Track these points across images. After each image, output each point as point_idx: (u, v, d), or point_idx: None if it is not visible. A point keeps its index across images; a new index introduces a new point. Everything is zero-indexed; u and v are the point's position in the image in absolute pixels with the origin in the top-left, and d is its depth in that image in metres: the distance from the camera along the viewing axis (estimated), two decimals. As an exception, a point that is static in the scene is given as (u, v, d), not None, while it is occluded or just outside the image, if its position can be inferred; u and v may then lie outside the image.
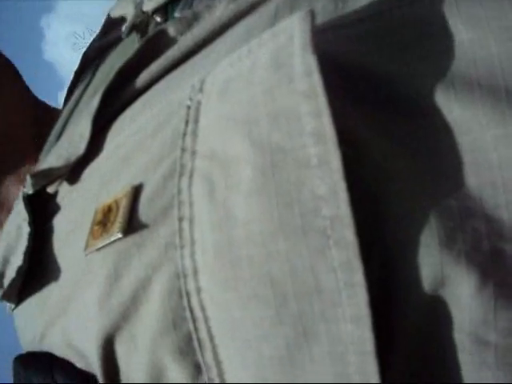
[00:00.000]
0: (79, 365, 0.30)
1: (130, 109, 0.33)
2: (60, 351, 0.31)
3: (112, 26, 0.46)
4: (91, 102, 0.35)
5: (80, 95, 0.42)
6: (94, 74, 0.43)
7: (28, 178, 0.33)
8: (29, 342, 0.34)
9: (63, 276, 0.31)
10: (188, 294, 0.24)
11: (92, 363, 0.29)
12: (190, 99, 0.28)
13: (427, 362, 0.22)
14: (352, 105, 0.24)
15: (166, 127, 0.28)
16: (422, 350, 0.22)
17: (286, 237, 0.22)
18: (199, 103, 0.27)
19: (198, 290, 0.24)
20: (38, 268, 0.33)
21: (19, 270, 0.32)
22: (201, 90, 0.27)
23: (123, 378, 0.28)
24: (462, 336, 0.21)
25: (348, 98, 0.24)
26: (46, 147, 0.38)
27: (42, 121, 0.43)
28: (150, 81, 0.33)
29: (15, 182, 0.39)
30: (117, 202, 0.27)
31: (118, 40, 0.43)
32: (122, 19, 0.44)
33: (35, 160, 0.39)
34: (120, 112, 0.34)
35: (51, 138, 0.39)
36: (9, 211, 0.38)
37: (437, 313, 0.22)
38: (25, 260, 0.32)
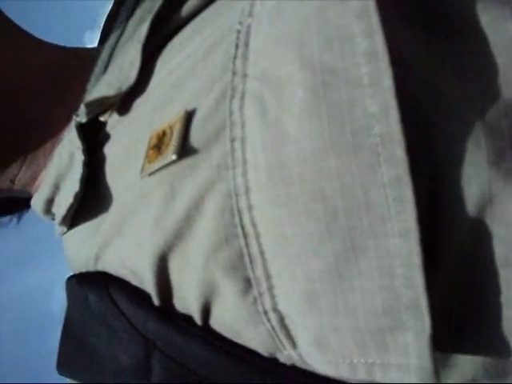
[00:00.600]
0: (133, 283, 0.31)
1: (178, 36, 0.34)
2: (114, 271, 0.32)
3: None
4: (139, 29, 0.35)
5: (124, 24, 0.42)
6: (137, 3, 0.43)
7: (82, 106, 0.34)
8: (81, 264, 0.36)
9: (117, 201, 0.32)
10: (240, 212, 0.25)
11: (145, 281, 0.30)
12: (240, 23, 0.28)
13: (470, 277, 0.23)
14: (403, 25, 0.24)
15: (216, 51, 0.29)
16: (466, 266, 0.23)
17: (337, 154, 0.22)
18: (249, 27, 0.27)
19: (250, 208, 0.25)
20: (90, 194, 0.34)
21: (76, 196, 0.34)
22: (250, 13, 0.28)
23: (176, 294, 0.29)
24: (507, 252, 0.22)
25: (399, 18, 0.24)
26: (92, 78, 0.39)
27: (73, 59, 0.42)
28: (197, 7, 0.34)
29: (61, 114, 0.40)
30: (171, 127, 0.28)
31: None
32: None
33: (81, 92, 0.40)
34: (168, 39, 0.34)
35: (97, 68, 0.39)
36: (52, 145, 0.39)
37: (483, 229, 0.22)
38: (81, 187, 0.34)
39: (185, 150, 0.27)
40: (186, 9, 0.34)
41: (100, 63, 0.39)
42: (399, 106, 0.21)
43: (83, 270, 0.36)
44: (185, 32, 0.33)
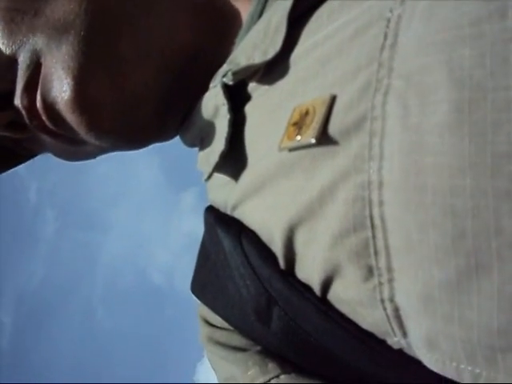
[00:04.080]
0: (263, 239, 0.34)
1: (325, 6, 0.33)
2: (248, 223, 0.35)
3: None
4: None
5: None
6: None
7: (230, 73, 0.36)
8: (220, 205, 0.39)
9: (256, 162, 0.34)
10: (371, 204, 0.26)
11: (272, 242, 0.33)
12: (391, 11, 0.27)
13: None
14: None
15: (364, 35, 0.28)
16: None
17: (474, 175, 0.22)
18: (400, 17, 0.27)
19: (381, 203, 0.26)
20: (231, 149, 0.36)
21: (221, 155, 0.36)
22: (402, 2, 0.27)
23: (299, 263, 0.31)
24: None
25: None
26: (242, 30, 0.40)
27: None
28: None
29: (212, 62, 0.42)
30: (314, 107, 0.29)
31: None
32: None
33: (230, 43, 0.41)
34: (313, 8, 0.34)
35: (248, 19, 0.39)
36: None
37: None
38: (226, 145, 0.36)
39: (325, 134, 0.28)
40: None
41: (250, 16, 0.39)
42: None
43: (220, 209, 0.39)
44: (332, 4, 0.33)
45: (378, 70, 0.27)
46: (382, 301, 0.27)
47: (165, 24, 0.41)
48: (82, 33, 0.38)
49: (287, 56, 0.34)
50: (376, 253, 0.26)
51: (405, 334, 0.27)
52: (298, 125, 0.29)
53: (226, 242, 0.36)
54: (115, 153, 0.49)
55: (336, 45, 0.30)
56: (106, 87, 0.40)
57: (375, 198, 0.26)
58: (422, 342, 0.26)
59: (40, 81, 0.40)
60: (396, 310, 0.27)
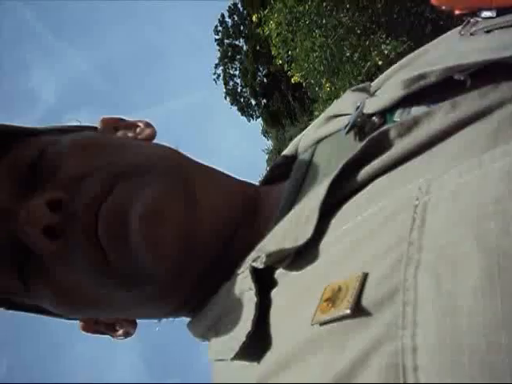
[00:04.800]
0: None
1: (353, 201, 0.38)
2: None
3: (326, 121, 0.51)
4: (317, 189, 0.40)
5: (301, 178, 0.48)
6: (310, 162, 0.49)
7: (263, 256, 0.39)
8: None
9: (282, 341, 0.35)
10: (405, 370, 0.27)
11: None
12: (417, 199, 0.31)
13: None
14: None
15: (393, 221, 0.32)
16: None
17: (509, 332, 0.24)
18: (426, 204, 0.31)
19: (415, 368, 0.27)
20: (254, 334, 0.37)
21: (248, 335, 0.37)
22: (427, 192, 0.31)
23: None
24: None
25: None
26: (273, 220, 0.43)
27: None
28: (371, 176, 0.38)
29: (242, 245, 0.45)
30: (346, 284, 0.31)
31: (329, 135, 0.49)
32: (335, 116, 0.50)
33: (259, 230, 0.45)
34: (341, 201, 0.38)
35: (280, 210, 0.44)
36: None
37: None
38: (253, 327, 0.37)
39: (358, 306, 0.30)
40: (361, 176, 0.38)
41: (281, 208, 0.44)
42: None
43: None
44: (359, 198, 0.37)
45: (408, 248, 0.30)
46: None
47: (221, 190, 0.48)
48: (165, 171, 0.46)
49: (317, 244, 0.37)
50: None
51: None
52: (331, 299, 0.31)
53: None
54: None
55: (366, 231, 0.34)
56: (181, 217, 0.43)
57: (409, 363, 0.27)
58: None
59: (111, 200, 0.43)
60: None
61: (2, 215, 0.45)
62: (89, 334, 0.58)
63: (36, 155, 0.47)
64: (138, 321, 0.55)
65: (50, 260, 0.44)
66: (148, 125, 0.58)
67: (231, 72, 17.30)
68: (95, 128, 0.58)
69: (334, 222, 0.37)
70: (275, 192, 0.50)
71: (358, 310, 0.30)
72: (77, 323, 0.56)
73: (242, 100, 17.33)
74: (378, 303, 0.29)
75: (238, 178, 0.54)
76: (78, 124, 0.57)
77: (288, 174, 0.50)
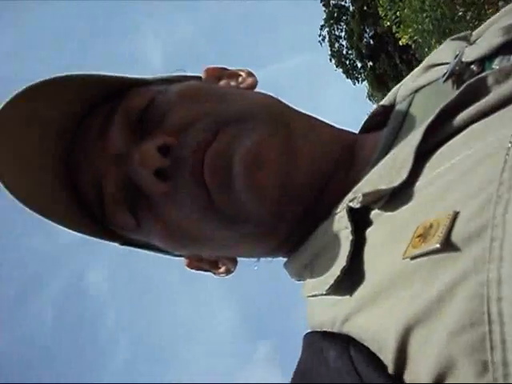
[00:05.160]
0: (372, 348, 0.36)
1: (448, 145, 0.39)
2: (357, 334, 0.37)
3: (425, 71, 0.53)
4: (413, 134, 0.42)
5: (398, 127, 0.50)
6: (407, 111, 0.51)
7: (360, 195, 0.42)
8: (326, 323, 0.42)
9: (374, 275, 0.38)
10: (489, 301, 0.29)
11: (385, 349, 0.34)
12: (510, 142, 0.33)
13: None
14: None
15: (484, 163, 0.34)
16: None
17: None
18: None
19: (499, 299, 0.28)
20: (348, 269, 0.40)
21: (342, 270, 0.41)
22: None
23: (409, 365, 0.33)
24: None
25: None
26: (370, 163, 0.46)
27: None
28: (466, 122, 0.39)
29: (338, 189, 0.48)
30: (438, 221, 0.34)
31: (427, 84, 0.51)
32: (434, 65, 0.51)
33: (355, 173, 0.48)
34: (437, 146, 0.40)
35: (376, 156, 0.47)
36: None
37: None
38: (348, 262, 0.40)
39: (448, 241, 0.32)
40: (456, 121, 0.40)
41: (378, 153, 0.46)
42: None
43: (326, 328, 0.42)
44: (455, 142, 0.39)
45: (499, 188, 0.32)
46: None
47: (321, 138, 0.51)
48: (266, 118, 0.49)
49: (411, 186, 0.39)
50: (492, 348, 0.28)
51: None
52: (423, 236, 0.34)
53: (332, 353, 0.38)
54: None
55: (459, 173, 0.35)
56: (281, 163, 0.47)
57: (494, 295, 0.29)
58: None
59: (217, 145, 0.47)
60: None
61: (118, 159, 0.50)
62: (192, 271, 0.63)
63: (146, 104, 0.51)
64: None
65: (159, 199, 0.49)
66: (250, 74, 0.60)
67: (337, 33, 16.88)
68: (199, 78, 0.61)
69: (429, 166, 0.39)
70: (372, 140, 0.52)
71: (448, 245, 0.32)
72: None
73: (347, 62, 16.89)
74: (467, 239, 0.31)
75: (337, 126, 0.56)
76: (184, 74, 0.61)
77: (385, 123, 0.52)
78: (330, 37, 16.84)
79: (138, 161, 0.48)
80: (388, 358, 0.34)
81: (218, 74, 0.62)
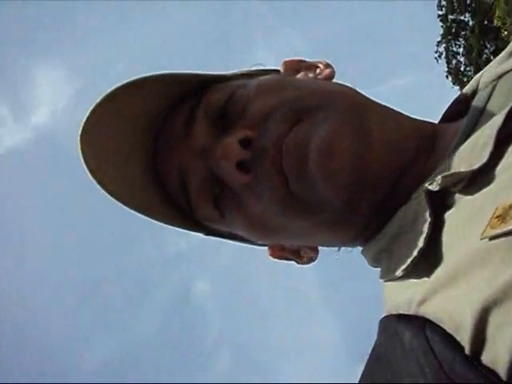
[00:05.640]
0: (448, 329, 0.35)
1: None
2: (433, 315, 0.36)
3: (509, 57, 0.52)
4: (495, 118, 0.42)
5: (479, 114, 0.49)
6: (489, 97, 0.50)
7: (439, 177, 0.42)
8: (402, 306, 0.41)
9: (452, 257, 0.38)
10: None
11: (461, 329, 0.33)
12: None
13: None
14: None
15: None
16: None
17: None
18: None
19: None
20: (426, 252, 0.40)
21: (420, 251, 0.41)
22: None
23: (487, 346, 0.32)
24: None
25: None
26: (451, 148, 0.46)
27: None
28: None
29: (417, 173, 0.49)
30: None
31: (511, 69, 0.50)
32: None
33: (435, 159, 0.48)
34: None
35: (456, 143, 0.46)
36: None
37: None
38: (425, 243, 0.40)
39: None
40: None
41: (459, 138, 0.46)
42: None
43: (402, 311, 0.41)
44: None
45: None
46: None
47: (397, 128, 0.51)
48: (341, 107, 0.50)
49: (491, 169, 0.39)
50: None
51: None
52: (502, 216, 0.34)
53: (407, 334, 0.37)
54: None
55: None
56: (354, 151, 0.47)
57: None
58: None
59: (293, 135, 0.49)
60: None
61: (202, 154, 0.53)
62: (275, 260, 0.65)
63: (226, 99, 0.53)
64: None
65: (241, 191, 0.51)
66: (328, 65, 0.61)
67: (455, 50, 16.32)
68: (278, 71, 0.63)
69: (510, 150, 0.39)
70: (453, 129, 0.51)
71: None
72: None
73: (465, 79, 16.24)
74: None
75: (414, 117, 0.56)
76: (263, 68, 0.63)
77: (467, 112, 0.51)
78: (447, 53, 16.32)
79: (220, 154, 0.50)
80: (465, 338, 0.33)
81: (296, 66, 0.63)
